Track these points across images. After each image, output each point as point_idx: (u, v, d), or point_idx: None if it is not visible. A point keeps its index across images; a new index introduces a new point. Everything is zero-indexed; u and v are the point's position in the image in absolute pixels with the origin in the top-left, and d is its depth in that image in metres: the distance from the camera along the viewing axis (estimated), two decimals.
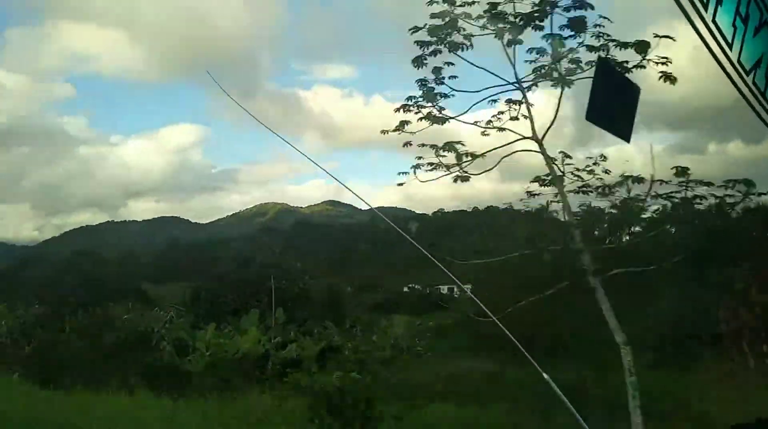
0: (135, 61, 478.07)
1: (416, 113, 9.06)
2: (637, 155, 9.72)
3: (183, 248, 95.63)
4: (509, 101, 8.90)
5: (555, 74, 8.45)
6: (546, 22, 8.09)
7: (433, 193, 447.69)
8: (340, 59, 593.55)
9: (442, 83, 8.86)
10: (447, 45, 8.40)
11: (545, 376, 2.21)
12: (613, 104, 2.52)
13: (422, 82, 8.89)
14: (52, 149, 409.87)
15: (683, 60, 8.75)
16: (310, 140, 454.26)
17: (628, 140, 2.58)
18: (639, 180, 8.68)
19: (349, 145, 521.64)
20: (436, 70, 8.73)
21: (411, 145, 9.33)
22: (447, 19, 8.13)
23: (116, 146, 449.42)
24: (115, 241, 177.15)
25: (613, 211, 10.30)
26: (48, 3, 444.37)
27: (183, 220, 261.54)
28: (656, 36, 7.69)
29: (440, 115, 9.14)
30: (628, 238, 12.31)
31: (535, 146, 8.55)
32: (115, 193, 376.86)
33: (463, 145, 9.16)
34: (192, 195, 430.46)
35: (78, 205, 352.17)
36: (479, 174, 9.39)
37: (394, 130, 9.25)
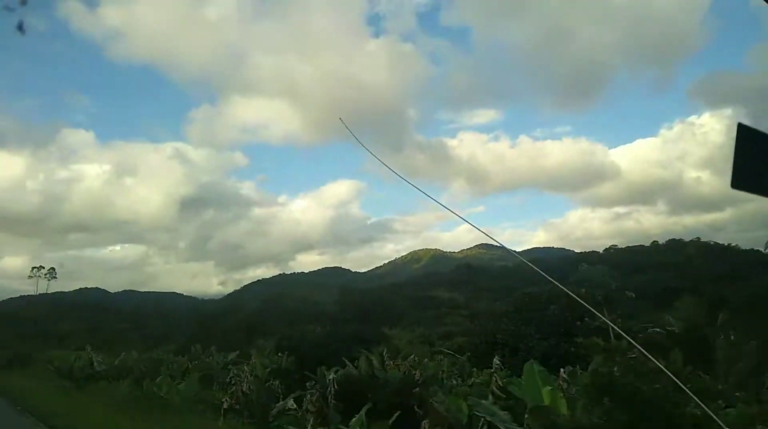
0: (296, 126, 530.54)
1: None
2: None
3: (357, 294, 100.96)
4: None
5: None
6: None
7: (591, 230, 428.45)
8: (485, 104, 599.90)
9: None
10: None
11: None
12: (763, 167, 2.50)
13: None
14: (232, 212, 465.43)
15: None
16: (458, 187, 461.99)
17: None
18: None
19: (498, 188, 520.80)
20: None
21: None
22: None
23: (284, 206, 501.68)
24: (289, 291, 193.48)
25: None
26: (223, 82, 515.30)
27: (345, 269, 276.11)
28: None
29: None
30: None
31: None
32: (286, 248, 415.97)
33: None
34: (351, 246, 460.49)
35: (254, 260, 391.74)
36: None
37: None
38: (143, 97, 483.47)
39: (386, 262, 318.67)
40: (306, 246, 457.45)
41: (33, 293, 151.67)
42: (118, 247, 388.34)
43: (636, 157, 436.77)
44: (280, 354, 27.34)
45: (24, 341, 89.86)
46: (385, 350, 22.51)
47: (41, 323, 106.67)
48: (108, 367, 28.41)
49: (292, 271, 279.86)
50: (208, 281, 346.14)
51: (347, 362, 18.86)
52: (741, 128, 2.50)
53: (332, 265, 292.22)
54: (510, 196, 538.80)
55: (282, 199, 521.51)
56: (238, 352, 33.40)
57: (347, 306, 72.53)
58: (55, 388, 22.82)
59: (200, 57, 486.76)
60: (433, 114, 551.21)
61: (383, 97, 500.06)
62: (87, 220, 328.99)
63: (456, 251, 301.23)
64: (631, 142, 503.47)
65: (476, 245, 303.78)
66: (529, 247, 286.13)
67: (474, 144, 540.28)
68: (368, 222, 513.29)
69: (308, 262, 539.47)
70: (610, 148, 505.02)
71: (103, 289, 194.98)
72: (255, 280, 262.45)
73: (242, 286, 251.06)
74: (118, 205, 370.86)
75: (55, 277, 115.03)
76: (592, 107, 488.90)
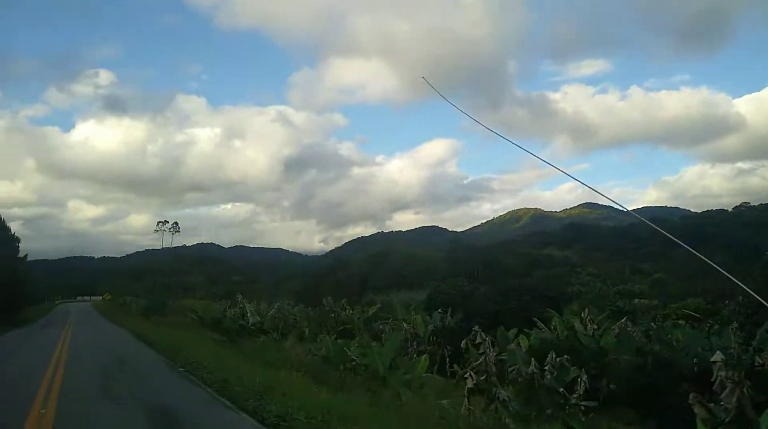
0: (393, 85, 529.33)
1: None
2: None
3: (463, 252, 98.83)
4: None
5: None
6: None
7: (710, 188, 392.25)
8: (592, 54, 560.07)
9: None
10: None
11: None
12: None
13: None
14: (332, 171, 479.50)
15: None
16: (561, 143, 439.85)
17: None
18: None
19: (605, 144, 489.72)
20: None
21: None
22: None
23: (382, 165, 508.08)
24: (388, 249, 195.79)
25: None
26: (323, 45, 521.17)
27: (442, 228, 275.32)
28: None
29: None
30: None
31: None
32: (383, 206, 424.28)
33: None
34: (447, 205, 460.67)
35: (354, 218, 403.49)
36: None
37: None
38: (249, 63, 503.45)
39: (483, 221, 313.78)
40: (403, 205, 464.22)
41: (157, 247, 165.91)
42: (229, 206, 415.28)
43: (764, 106, 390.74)
44: (440, 310, 24.62)
45: (153, 291, 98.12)
46: (587, 311, 18.92)
47: (166, 275, 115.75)
48: (261, 319, 26.15)
49: (390, 230, 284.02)
50: (310, 238, 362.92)
51: (539, 323, 16.83)
52: None
53: (429, 224, 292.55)
54: (618, 152, 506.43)
55: (380, 158, 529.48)
56: (378, 305, 32.58)
57: (457, 263, 71.20)
58: (206, 340, 20.56)
59: (301, 21, 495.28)
60: (535, 67, 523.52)
61: (482, 51, 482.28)
62: (201, 180, 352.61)
63: (558, 211, 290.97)
64: (758, 89, 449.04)
65: (580, 205, 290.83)
66: (640, 206, 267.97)
67: (579, 97, 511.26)
68: (465, 181, 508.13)
69: (405, 221, 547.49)
70: (734, 98, 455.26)
71: (217, 245, 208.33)
72: (354, 237, 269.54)
73: (343, 243, 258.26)
74: (228, 166, 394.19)
75: (178, 232, 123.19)
76: (713, 53, 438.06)
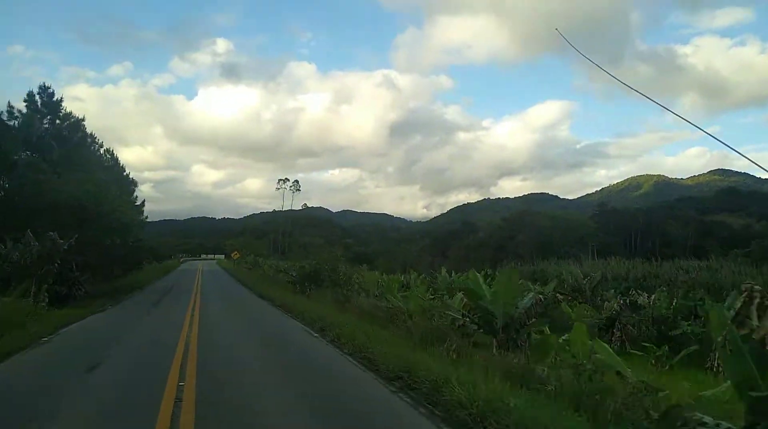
0: (502, 44, 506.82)
1: None
2: None
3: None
4: None
5: None
6: None
7: None
8: (729, 2, 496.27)
9: None
10: None
11: None
12: None
13: None
14: (437, 136, 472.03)
15: None
16: (689, 103, 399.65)
17: None
18: None
19: (740, 103, 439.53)
20: None
21: None
22: None
23: (489, 130, 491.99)
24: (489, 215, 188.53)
25: None
26: (428, 4, 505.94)
27: (551, 196, 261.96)
28: None
29: None
30: None
31: None
32: (489, 173, 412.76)
33: None
34: (558, 171, 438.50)
35: (457, 184, 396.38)
36: None
37: None
38: (355, 27, 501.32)
39: (598, 189, 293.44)
40: (509, 171, 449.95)
41: (270, 210, 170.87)
42: (336, 171, 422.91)
43: None
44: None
45: (281, 250, 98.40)
46: None
47: (286, 235, 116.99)
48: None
49: (497, 197, 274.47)
50: (413, 204, 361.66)
51: None
52: None
53: (537, 191, 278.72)
54: (755, 113, 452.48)
55: (486, 122, 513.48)
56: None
57: (608, 229, 63.05)
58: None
59: None
60: (663, 17, 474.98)
61: (600, 1, 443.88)
62: (311, 146, 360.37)
63: (685, 178, 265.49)
64: None
65: (709, 171, 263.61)
66: None
67: (713, 50, 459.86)
68: (577, 146, 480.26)
69: (510, 187, 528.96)
70: None
71: (326, 208, 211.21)
72: (458, 204, 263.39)
73: (447, 210, 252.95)
74: (336, 131, 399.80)
75: (299, 190, 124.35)
76: None
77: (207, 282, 38.49)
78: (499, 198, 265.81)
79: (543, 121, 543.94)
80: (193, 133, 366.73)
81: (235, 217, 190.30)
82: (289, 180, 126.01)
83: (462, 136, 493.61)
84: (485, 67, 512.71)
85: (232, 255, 67.75)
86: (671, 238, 58.36)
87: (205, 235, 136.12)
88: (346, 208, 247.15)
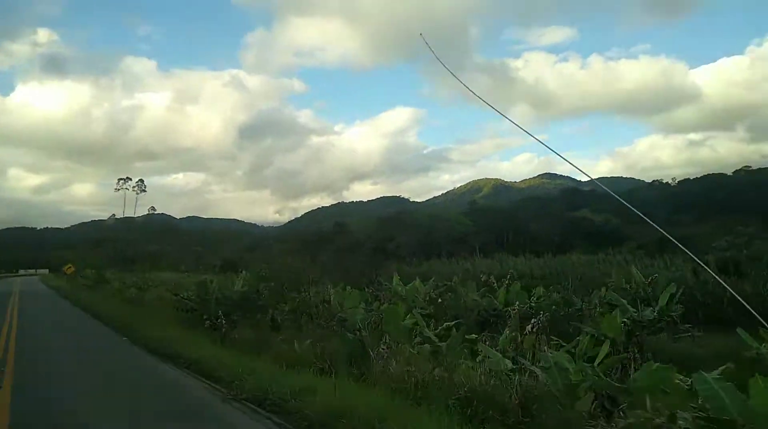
0: (354, 49, 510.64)
1: None
2: None
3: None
4: None
5: None
6: None
7: (660, 159, 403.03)
8: (556, 21, 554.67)
9: None
10: None
11: None
12: None
13: None
14: (290, 139, 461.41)
15: None
16: (521, 112, 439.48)
17: None
18: None
19: (564, 113, 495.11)
20: None
21: None
22: None
23: (341, 134, 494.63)
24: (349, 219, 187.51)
25: None
26: (278, 3, 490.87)
27: (403, 198, 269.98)
28: None
29: None
30: None
31: None
32: (341, 177, 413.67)
33: None
34: (407, 176, 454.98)
35: (309, 189, 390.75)
36: None
37: None
38: (201, 23, 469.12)
39: (443, 192, 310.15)
40: (361, 175, 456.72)
41: (104, 218, 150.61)
42: (180, 175, 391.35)
43: (719, 77, 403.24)
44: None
45: (120, 262, 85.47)
46: None
47: (124, 245, 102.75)
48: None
49: (350, 201, 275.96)
50: (264, 209, 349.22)
51: None
52: None
53: (390, 195, 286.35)
54: (577, 122, 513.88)
55: (339, 127, 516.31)
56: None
57: (483, 228, 63.44)
58: None
59: None
60: (498, 33, 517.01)
61: (444, 13, 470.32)
62: (151, 148, 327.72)
63: (518, 181, 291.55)
64: (714, 60, 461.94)
65: (539, 175, 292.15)
66: (596, 177, 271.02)
67: (541, 65, 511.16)
68: (425, 151, 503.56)
69: (362, 191, 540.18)
70: (691, 68, 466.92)
71: (168, 215, 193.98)
72: (311, 209, 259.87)
73: (301, 214, 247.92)
74: (180, 133, 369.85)
75: (144, 190, 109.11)
76: (677, 21, 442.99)
77: (30, 317, 22.68)
78: (353, 201, 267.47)
79: (393, 126, 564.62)
80: (9, 133, 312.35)
81: (61, 227, 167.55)
82: (131, 179, 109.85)
83: (315, 140, 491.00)
84: (337, 71, 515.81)
85: (65, 269, 54.85)
86: (537, 235, 60.63)
87: (25, 247, 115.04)
88: (192, 214, 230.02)
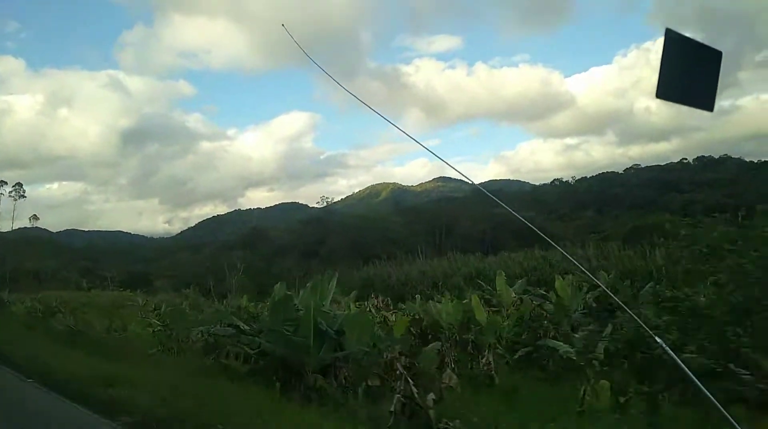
0: (243, 51, 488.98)
1: None
2: None
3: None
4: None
5: None
6: None
7: (541, 163, 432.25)
8: (444, 29, 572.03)
9: None
10: None
11: None
12: (689, 75, 2.47)
13: None
14: (178, 145, 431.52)
15: None
16: (413, 118, 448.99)
17: (711, 109, 2.56)
18: None
19: (454, 119, 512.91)
20: None
21: None
22: None
23: (233, 140, 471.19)
24: (240, 228, 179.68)
25: None
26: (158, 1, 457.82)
27: (302, 205, 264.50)
28: None
29: None
30: None
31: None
32: (235, 184, 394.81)
33: None
34: (304, 181, 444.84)
35: (201, 197, 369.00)
36: None
37: None
38: (74, 18, 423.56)
39: (342, 197, 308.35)
40: (256, 182, 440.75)
41: None
42: (55, 185, 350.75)
43: (591, 85, 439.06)
44: None
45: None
46: None
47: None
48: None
49: (248, 208, 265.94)
50: (152, 220, 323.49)
51: None
52: (669, 33, 2.40)
53: (287, 201, 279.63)
54: (466, 128, 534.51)
55: (231, 132, 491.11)
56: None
57: (414, 228, 62.28)
58: None
59: None
60: (389, 40, 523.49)
61: (335, 18, 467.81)
62: (20, 155, 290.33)
63: (414, 185, 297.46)
64: (586, 69, 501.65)
65: (434, 179, 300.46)
66: (487, 180, 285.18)
67: (431, 72, 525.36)
68: (321, 157, 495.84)
69: (258, 198, 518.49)
70: (566, 77, 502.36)
71: (43, 228, 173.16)
72: (205, 217, 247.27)
73: (195, 223, 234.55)
74: (54, 139, 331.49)
75: (23, 196, 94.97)
76: (552, 32, 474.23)
77: None
78: (250, 208, 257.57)
79: (288, 131, 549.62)
80: None
81: None
82: (6, 183, 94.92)
83: (205, 145, 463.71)
84: (227, 73, 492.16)
85: None
86: (468, 234, 60.99)
87: None
88: (70, 227, 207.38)
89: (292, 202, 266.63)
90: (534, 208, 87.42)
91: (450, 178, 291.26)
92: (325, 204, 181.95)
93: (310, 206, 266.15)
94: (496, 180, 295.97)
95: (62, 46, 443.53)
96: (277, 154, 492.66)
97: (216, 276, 52.52)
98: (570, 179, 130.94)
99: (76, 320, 20.80)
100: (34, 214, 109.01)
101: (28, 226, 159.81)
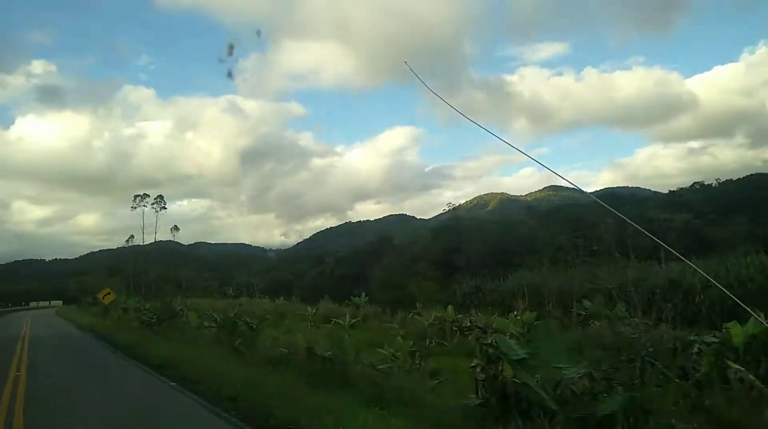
0: (349, 71, 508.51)
1: None
2: None
3: None
4: None
5: None
6: None
7: (661, 168, 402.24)
8: (549, 37, 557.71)
9: None
10: None
11: None
12: None
13: None
14: (291, 163, 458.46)
15: None
16: (519, 127, 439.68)
17: None
18: None
19: (562, 127, 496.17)
20: None
21: None
22: None
23: (342, 155, 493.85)
24: (352, 240, 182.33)
25: None
26: (271, 27, 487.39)
27: (409, 216, 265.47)
28: None
29: None
30: None
31: None
32: (344, 197, 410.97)
33: None
34: (409, 194, 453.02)
35: (313, 211, 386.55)
36: None
37: None
38: (196, 49, 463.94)
39: (450, 208, 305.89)
40: (364, 195, 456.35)
41: (111, 247, 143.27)
42: (185, 202, 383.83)
43: (714, 85, 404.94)
44: None
45: (152, 291, 78.94)
46: None
47: (143, 272, 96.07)
48: None
49: (358, 220, 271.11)
50: (270, 232, 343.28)
51: None
52: None
53: (395, 213, 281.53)
54: (574, 135, 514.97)
55: (339, 148, 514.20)
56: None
57: (550, 229, 58.03)
58: None
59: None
60: (492, 50, 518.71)
61: (438, 32, 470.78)
62: (153, 176, 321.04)
63: (523, 194, 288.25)
64: (709, 69, 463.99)
65: (544, 187, 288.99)
66: (600, 188, 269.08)
67: (536, 80, 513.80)
68: (426, 169, 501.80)
69: (367, 211, 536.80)
70: (685, 77, 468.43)
71: (176, 242, 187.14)
72: (317, 230, 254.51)
73: (310, 235, 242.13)
74: (182, 160, 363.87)
75: (164, 208, 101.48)
76: (668, 32, 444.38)
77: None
78: (360, 221, 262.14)
79: (393, 146, 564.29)
80: (11, 166, 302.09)
81: (69, 258, 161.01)
82: (149, 196, 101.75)
83: (316, 162, 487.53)
84: (334, 93, 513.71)
85: (101, 297, 43.61)
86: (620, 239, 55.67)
87: (34, 279, 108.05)
88: (198, 240, 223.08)
89: (399, 214, 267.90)
90: (673, 213, 79.28)
91: (561, 186, 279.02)
92: (448, 209, 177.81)
93: (417, 218, 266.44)
94: (612, 187, 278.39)
95: (186, 75, 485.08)
96: (383, 168, 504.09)
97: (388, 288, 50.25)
98: (714, 182, 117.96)
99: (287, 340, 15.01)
100: (175, 225, 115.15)
101: (166, 238, 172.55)
